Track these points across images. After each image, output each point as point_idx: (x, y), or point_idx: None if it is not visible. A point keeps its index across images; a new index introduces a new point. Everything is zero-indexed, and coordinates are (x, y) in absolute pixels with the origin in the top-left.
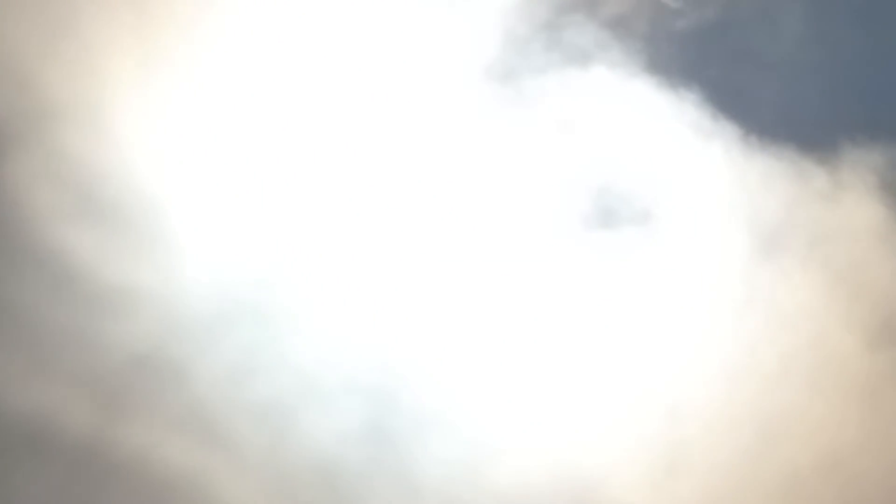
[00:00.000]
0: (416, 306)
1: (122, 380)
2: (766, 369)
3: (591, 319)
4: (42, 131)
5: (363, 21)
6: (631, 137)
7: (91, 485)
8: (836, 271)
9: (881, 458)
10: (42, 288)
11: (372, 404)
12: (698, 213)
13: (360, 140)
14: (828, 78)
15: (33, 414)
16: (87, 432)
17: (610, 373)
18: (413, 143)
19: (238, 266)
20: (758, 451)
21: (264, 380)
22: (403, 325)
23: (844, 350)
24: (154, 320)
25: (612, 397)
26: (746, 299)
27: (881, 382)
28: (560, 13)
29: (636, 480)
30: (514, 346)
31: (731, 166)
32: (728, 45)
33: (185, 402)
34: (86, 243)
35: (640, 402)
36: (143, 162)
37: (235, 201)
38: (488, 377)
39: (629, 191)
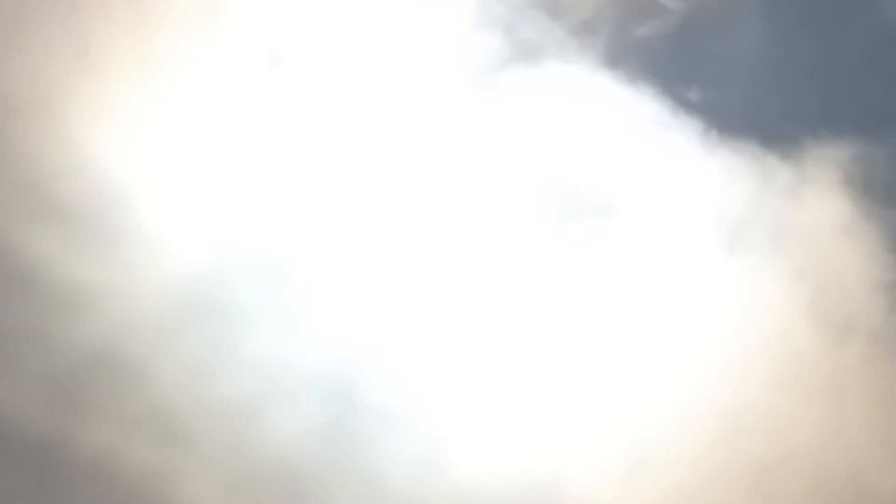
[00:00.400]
0: (379, 304)
1: (80, 379)
2: (730, 365)
3: (553, 316)
4: None
5: (353, 22)
6: (590, 132)
7: (50, 485)
8: (800, 267)
9: (846, 454)
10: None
11: (335, 403)
12: (659, 208)
13: (325, 142)
14: (790, 73)
15: None
16: (47, 432)
17: (573, 370)
18: (378, 139)
19: (199, 264)
20: (722, 446)
21: (226, 378)
22: (367, 324)
23: (809, 346)
24: (114, 319)
25: (575, 395)
26: (709, 295)
27: (845, 379)
28: (523, 15)
29: (601, 478)
30: (477, 345)
31: (692, 162)
32: (688, 48)
33: (145, 401)
34: (44, 241)
35: (604, 398)
36: (103, 160)
37: (197, 199)
38: (452, 376)
39: (590, 186)
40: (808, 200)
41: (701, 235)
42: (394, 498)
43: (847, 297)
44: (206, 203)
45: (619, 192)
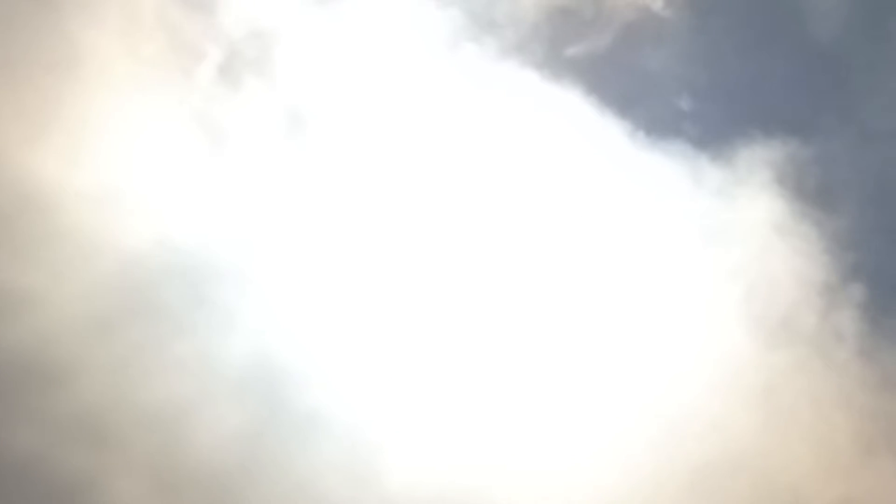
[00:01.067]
0: (312, 308)
1: (7, 383)
2: (666, 368)
3: (481, 319)
4: None
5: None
6: (524, 135)
7: None
8: (734, 268)
9: (783, 457)
10: None
11: (265, 407)
12: (589, 209)
13: (259, 145)
14: (720, 78)
15: None
16: None
17: (503, 374)
18: (313, 144)
19: (127, 266)
20: (659, 450)
21: (155, 381)
22: (300, 327)
23: (744, 349)
24: (40, 322)
25: (505, 399)
26: (641, 298)
27: (782, 382)
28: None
29: (535, 484)
30: (411, 352)
31: (618, 161)
32: (622, 58)
33: (73, 404)
34: None
35: (538, 406)
36: (27, 162)
37: (124, 199)
38: (379, 381)
39: (516, 187)
40: (740, 201)
41: (631, 237)
42: (319, 502)
43: (782, 300)
44: (133, 203)
45: (550, 193)
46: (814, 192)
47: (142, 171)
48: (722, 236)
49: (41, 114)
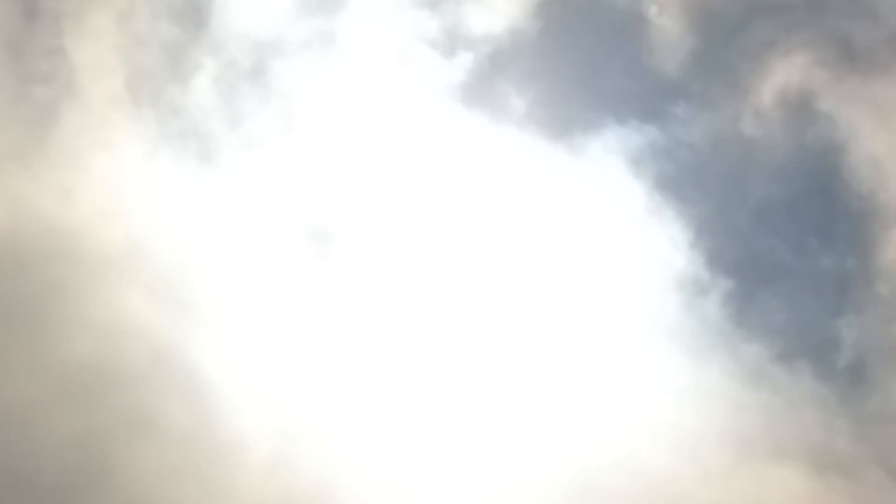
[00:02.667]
0: (152, 309)
1: None
2: (549, 372)
3: (336, 334)
4: None
5: None
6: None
7: None
8: (591, 260)
9: (650, 453)
10: None
11: (105, 409)
12: (443, 202)
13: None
14: (569, 67)
15: None
16: None
17: (352, 373)
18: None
19: None
20: (532, 453)
21: (10, 383)
22: (138, 328)
23: (602, 343)
24: None
25: (359, 400)
26: (497, 292)
27: (641, 375)
28: None
29: (384, 487)
30: (252, 349)
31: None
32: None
33: None
34: None
35: (402, 405)
36: None
37: None
38: (224, 382)
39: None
40: (596, 190)
41: (486, 230)
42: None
43: (643, 291)
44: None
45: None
46: (675, 180)
47: None
48: (578, 227)
49: None
